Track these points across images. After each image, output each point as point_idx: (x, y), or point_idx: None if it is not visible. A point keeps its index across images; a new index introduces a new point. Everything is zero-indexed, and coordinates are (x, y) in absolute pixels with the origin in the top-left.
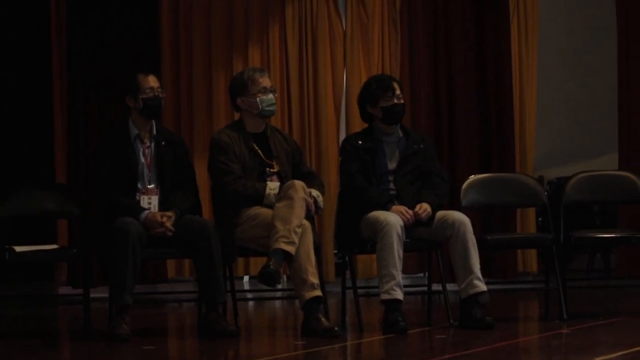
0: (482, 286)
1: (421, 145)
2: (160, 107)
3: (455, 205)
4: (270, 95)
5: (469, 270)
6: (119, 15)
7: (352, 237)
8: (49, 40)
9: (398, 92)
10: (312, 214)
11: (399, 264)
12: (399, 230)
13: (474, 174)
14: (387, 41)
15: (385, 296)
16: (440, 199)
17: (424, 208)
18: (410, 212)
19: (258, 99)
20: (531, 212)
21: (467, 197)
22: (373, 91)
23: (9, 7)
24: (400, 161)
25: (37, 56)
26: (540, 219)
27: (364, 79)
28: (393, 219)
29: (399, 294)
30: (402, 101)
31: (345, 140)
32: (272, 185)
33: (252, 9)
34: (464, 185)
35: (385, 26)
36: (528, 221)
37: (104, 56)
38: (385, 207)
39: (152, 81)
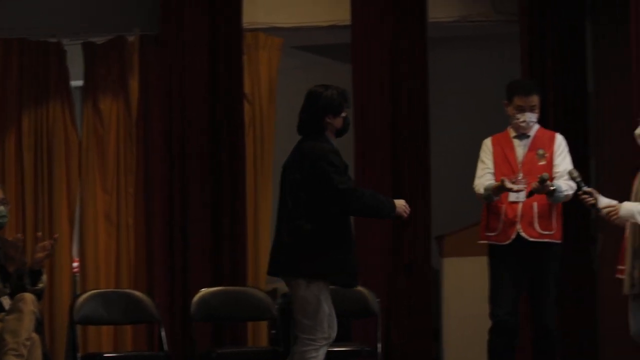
0: None
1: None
2: None
3: None
4: (2, 207)
5: None
6: None
7: None
8: None
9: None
10: None
11: None
12: None
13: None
14: (123, 151)
15: None
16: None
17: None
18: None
19: None
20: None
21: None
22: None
23: None
24: None
25: None
26: (273, 331)
27: (99, 190)
28: None
29: None
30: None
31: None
32: None
33: None
34: (195, 299)
35: (120, 136)
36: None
37: None
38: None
39: None
